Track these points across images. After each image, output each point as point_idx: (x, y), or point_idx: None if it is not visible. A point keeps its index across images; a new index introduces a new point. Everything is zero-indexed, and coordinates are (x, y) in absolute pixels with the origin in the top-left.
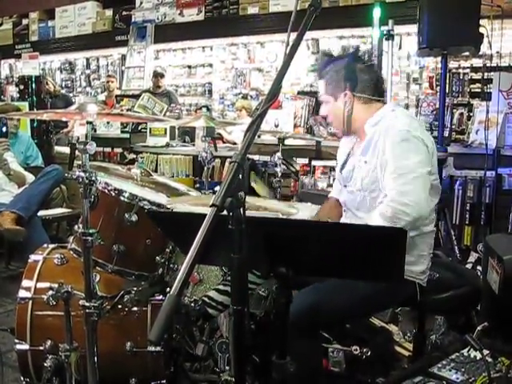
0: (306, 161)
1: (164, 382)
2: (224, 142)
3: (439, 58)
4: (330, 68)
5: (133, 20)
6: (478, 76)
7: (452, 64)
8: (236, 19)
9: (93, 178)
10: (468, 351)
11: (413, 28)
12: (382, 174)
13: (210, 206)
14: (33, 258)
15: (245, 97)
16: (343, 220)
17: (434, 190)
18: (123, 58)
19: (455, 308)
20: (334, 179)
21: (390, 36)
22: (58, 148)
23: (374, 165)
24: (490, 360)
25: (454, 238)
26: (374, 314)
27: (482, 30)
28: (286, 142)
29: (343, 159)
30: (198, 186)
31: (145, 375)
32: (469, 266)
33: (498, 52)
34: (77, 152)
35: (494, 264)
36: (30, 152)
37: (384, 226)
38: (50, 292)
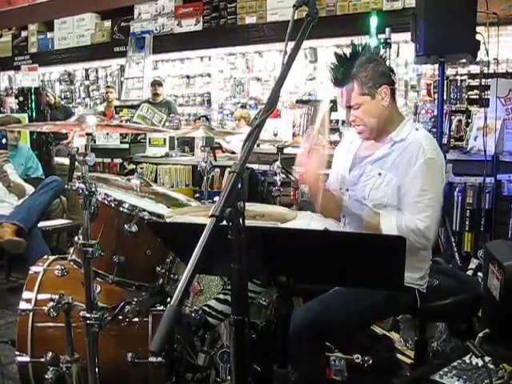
0: None
1: None
2: (223, 152)
3: (437, 65)
4: (359, 67)
5: (131, 31)
6: (475, 83)
7: (449, 71)
8: (234, 29)
9: (92, 189)
10: (469, 358)
11: (410, 36)
12: (398, 192)
13: (210, 217)
14: (33, 269)
15: (243, 106)
16: (342, 225)
17: None
18: (122, 68)
19: (456, 315)
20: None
21: (387, 44)
22: (57, 159)
23: (389, 180)
24: (491, 367)
25: (454, 244)
26: (375, 322)
27: (478, 37)
28: (285, 150)
29: (350, 160)
30: (197, 195)
31: None
32: (469, 272)
33: (495, 59)
34: (76, 163)
35: (495, 270)
36: (30, 164)
37: (383, 234)
38: (51, 303)
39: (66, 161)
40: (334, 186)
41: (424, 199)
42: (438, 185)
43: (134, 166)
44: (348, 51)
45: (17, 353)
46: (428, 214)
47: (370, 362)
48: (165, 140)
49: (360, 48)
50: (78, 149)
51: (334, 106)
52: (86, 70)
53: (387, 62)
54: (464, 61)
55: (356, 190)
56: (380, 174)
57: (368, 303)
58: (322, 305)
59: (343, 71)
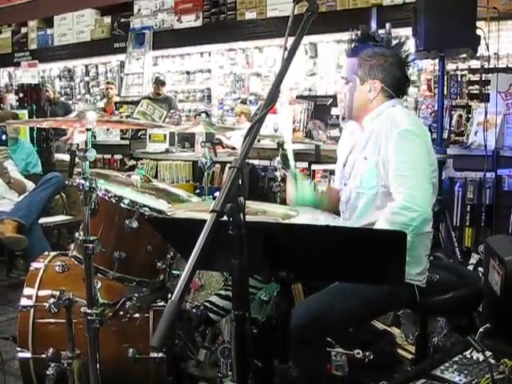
0: (305, 165)
1: None
2: (223, 147)
3: (437, 60)
4: (368, 51)
5: (131, 27)
6: (476, 77)
7: (450, 66)
8: (234, 25)
9: (93, 185)
10: (470, 353)
11: (410, 31)
12: (386, 171)
13: (210, 212)
14: (34, 265)
15: (244, 102)
16: (341, 220)
17: (433, 189)
18: (122, 64)
19: (457, 310)
20: (334, 183)
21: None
22: (57, 155)
23: (375, 161)
24: (492, 362)
25: (454, 239)
26: (376, 318)
27: (478, 31)
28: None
29: (345, 155)
30: (198, 191)
31: (147, 381)
32: (470, 267)
33: (495, 53)
34: (77, 159)
35: (496, 265)
36: (31, 159)
37: (384, 229)
38: (52, 300)
39: (66, 157)
40: (337, 180)
41: (401, 171)
42: (418, 154)
43: (134, 162)
44: (378, 36)
45: (18, 349)
46: (408, 185)
47: (371, 357)
48: (165, 136)
49: (387, 40)
50: (78, 145)
51: (334, 102)
52: (86, 66)
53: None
54: (464, 56)
55: (351, 181)
56: (366, 158)
57: (368, 299)
58: (322, 302)
59: (359, 46)
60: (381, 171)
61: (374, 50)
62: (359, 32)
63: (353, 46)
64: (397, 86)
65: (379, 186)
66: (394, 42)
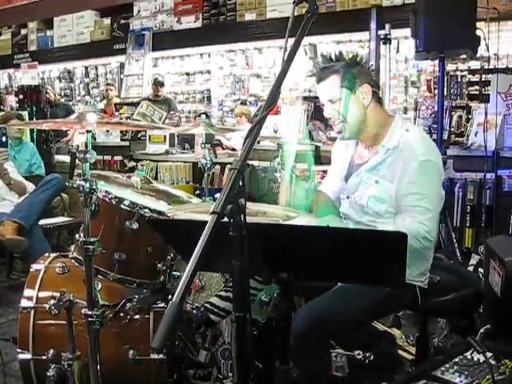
0: (305, 166)
1: None
2: (223, 149)
3: (437, 61)
4: (343, 64)
5: (131, 28)
6: (475, 78)
7: (450, 67)
8: (233, 26)
9: (93, 187)
10: (471, 354)
11: (409, 32)
12: (399, 198)
13: (211, 214)
14: (34, 267)
15: (244, 103)
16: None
17: None
18: (122, 66)
19: (457, 311)
20: (323, 186)
21: (387, 40)
22: (58, 157)
23: (387, 188)
24: (493, 362)
25: (455, 240)
26: (377, 319)
27: (478, 32)
28: (286, 148)
29: (346, 167)
30: (198, 192)
31: (148, 383)
32: (470, 268)
33: (495, 54)
34: (77, 161)
35: (496, 266)
36: (34, 160)
37: (385, 230)
38: (52, 301)
39: (67, 158)
40: (331, 188)
41: (423, 202)
42: (435, 185)
43: (134, 164)
44: (334, 54)
45: (18, 350)
46: (428, 217)
47: (372, 358)
48: (165, 137)
49: (348, 55)
50: (78, 146)
51: None
52: (86, 68)
53: (385, 67)
54: (464, 56)
55: (355, 197)
56: (377, 182)
57: (370, 302)
58: (323, 306)
59: (327, 67)
60: (391, 197)
61: (345, 62)
62: (320, 59)
63: (320, 70)
64: (377, 87)
65: (383, 208)
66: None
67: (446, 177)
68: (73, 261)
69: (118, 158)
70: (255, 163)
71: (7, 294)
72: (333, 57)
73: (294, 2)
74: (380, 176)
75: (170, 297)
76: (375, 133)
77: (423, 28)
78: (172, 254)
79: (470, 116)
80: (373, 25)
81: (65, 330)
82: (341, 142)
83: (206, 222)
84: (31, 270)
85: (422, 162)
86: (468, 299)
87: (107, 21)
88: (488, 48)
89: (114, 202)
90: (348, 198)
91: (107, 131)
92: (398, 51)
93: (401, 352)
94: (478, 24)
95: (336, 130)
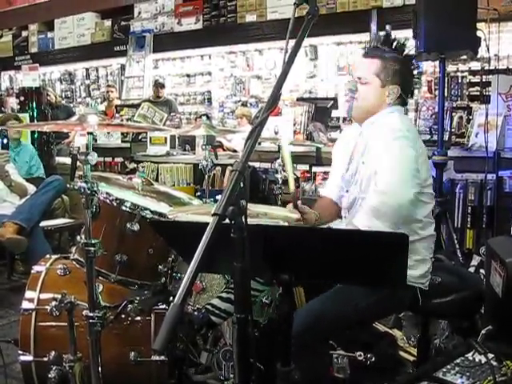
0: (306, 167)
1: None
2: (224, 150)
3: (437, 62)
4: (392, 55)
5: (131, 30)
6: (476, 79)
7: (450, 68)
8: (234, 27)
9: (94, 189)
10: (472, 355)
11: (410, 33)
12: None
13: (212, 215)
14: (36, 268)
15: (244, 104)
16: (343, 225)
17: (427, 196)
18: (122, 67)
19: (458, 312)
20: (325, 190)
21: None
22: (59, 159)
23: (371, 167)
24: (494, 364)
25: (456, 241)
26: (378, 320)
27: (479, 33)
28: (282, 152)
29: (346, 163)
30: (199, 194)
31: None
32: (471, 269)
33: (495, 55)
34: (78, 162)
35: (497, 267)
36: (34, 162)
37: (385, 231)
38: (54, 303)
39: (68, 160)
40: (333, 190)
41: (379, 170)
42: (401, 152)
43: (135, 165)
44: (397, 41)
45: (20, 352)
46: (387, 177)
47: (373, 359)
48: (166, 139)
49: (400, 47)
50: (79, 148)
51: (334, 104)
52: (87, 70)
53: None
54: (465, 57)
55: (353, 188)
56: (363, 163)
57: (368, 302)
58: (322, 305)
59: (378, 48)
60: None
61: (396, 55)
62: (381, 34)
63: (372, 46)
64: (410, 94)
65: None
66: (406, 52)
67: (446, 178)
68: (74, 262)
69: (119, 159)
70: (256, 164)
71: (8, 296)
72: (394, 43)
73: (294, 4)
74: (365, 157)
75: (171, 298)
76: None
77: (424, 29)
78: (173, 256)
79: (470, 117)
80: (373, 26)
81: (66, 332)
82: (341, 141)
83: (207, 223)
84: (32, 271)
85: (391, 131)
86: (469, 300)
87: (108, 22)
88: (488, 49)
89: (115, 204)
90: (347, 191)
91: (108, 133)
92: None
93: (402, 353)
94: (479, 25)
95: (347, 105)
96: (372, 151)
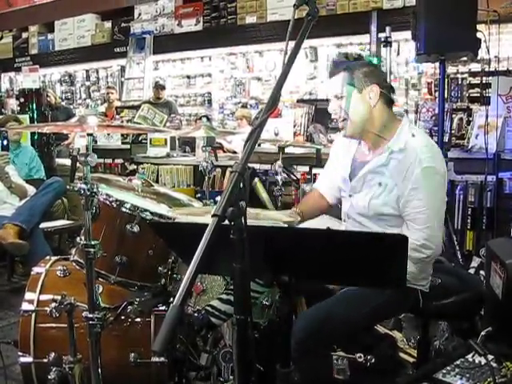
0: (306, 169)
1: None
2: (224, 152)
3: (437, 64)
4: (355, 62)
5: (131, 31)
6: (476, 81)
7: (450, 69)
8: (234, 29)
9: (94, 190)
10: (472, 356)
11: (410, 34)
12: (402, 203)
13: (212, 216)
14: (35, 270)
15: (244, 106)
16: (345, 228)
17: None
18: (122, 69)
19: (458, 313)
20: (318, 184)
21: (387, 43)
22: (59, 160)
23: (390, 191)
24: (494, 365)
25: (456, 243)
26: (378, 323)
27: (479, 34)
28: (286, 150)
29: (349, 166)
30: (199, 195)
31: None
32: (471, 270)
33: (496, 56)
34: (78, 164)
35: (497, 268)
36: (34, 164)
37: (385, 233)
38: (53, 304)
39: (68, 162)
40: (326, 184)
41: (425, 210)
42: (438, 192)
43: (135, 167)
44: (352, 53)
45: (20, 353)
46: (429, 224)
47: (373, 361)
48: (166, 140)
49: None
50: (79, 149)
51: None
52: (87, 71)
53: (386, 69)
54: (465, 59)
55: (358, 197)
56: (380, 184)
57: (371, 307)
58: (324, 311)
59: (339, 63)
60: (393, 200)
61: (357, 61)
62: (335, 57)
63: (332, 65)
64: (391, 90)
65: (384, 210)
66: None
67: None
68: (74, 264)
69: (119, 161)
70: (256, 166)
71: (8, 298)
72: (348, 55)
73: (294, 5)
74: (383, 178)
75: (171, 300)
76: (379, 134)
77: (424, 30)
78: (173, 257)
79: (470, 118)
80: (373, 27)
81: (66, 333)
82: (341, 140)
83: (207, 224)
84: (32, 273)
85: (425, 169)
86: (469, 302)
87: (108, 24)
88: (488, 50)
89: (114, 205)
90: (350, 196)
91: (108, 134)
92: (398, 54)
93: (402, 355)
94: (479, 26)
95: (340, 126)
96: (398, 180)
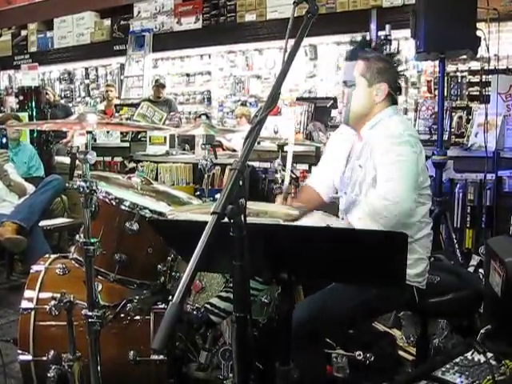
0: (305, 167)
1: None
2: (224, 150)
3: (437, 62)
4: (375, 54)
5: (131, 29)
6: (476, 79)
7: (450, 67)
8: (234, 27)
9: (93, 188)
10: (472, 354)
11: (410, 32)
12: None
13: (211, 214)
14: (35, 268)
15: (244, 104)
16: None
17: (425, 197)
18: (122, 67)
19: (457, 311)
20: (311, 180)
21: (387, 41)
22: (58, 158)
23: (369, 171)
24: (493, 363)
25: (455, 241)
26: (373, 318)
27: (479, 33)
28: (286, 148)
29: (343, 163)
30: (198, 193)
31: None
32: (471, 269)
33: (495, 55)
34: (77, 162)
35: (496, 266)
36: (33, 162)
37: (385, 230)
38: (53, 302)
39: (67, 159)
40: (320, 179)
41: (388, 166)
42: (407, 158)
43: (134, 165)
44: (376, 42)
45: (19, 351)
46: (392, 180)
47: (372, 358)
48: (165, 138)
49: (381, 48)
50: (78, 147)
51: (334, 104)
52: (86, 69)
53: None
54: (464, 57)
55: (350, 190)
56: (360, 167)
57: (360, 300)
58: (319, 301)
59: (359, 51)
60: (375, 179)
61: (378, 54)
62: (359, 37)
63: (353, 49)
64: (398, 92)
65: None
66: (387, 52)
67: (446, 177)
68: (73, 262)
69: (119, 159)
70: (255, 164)
71: (7, 296)
72: (372, 44)
73: (294, 3)
74: (362, 160)
75: (170, 297)
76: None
77: (423, 29)
78: (172, 255)
79: (470, 117)
80: (373, 26)
81: (65, 331)
82: (337, 136)
83: (206, 222)
84: (31, 271)
85: (392, 135)
86: (468, 300)
87: (107, 22)
88: (488, 49)
89: (114, 203)
90: (345, 193)
91: (107, 132)
92: (398, 52)
93: (401, 353)
94: (479, 25)
95: (339, 110)
96: (374, 155)
